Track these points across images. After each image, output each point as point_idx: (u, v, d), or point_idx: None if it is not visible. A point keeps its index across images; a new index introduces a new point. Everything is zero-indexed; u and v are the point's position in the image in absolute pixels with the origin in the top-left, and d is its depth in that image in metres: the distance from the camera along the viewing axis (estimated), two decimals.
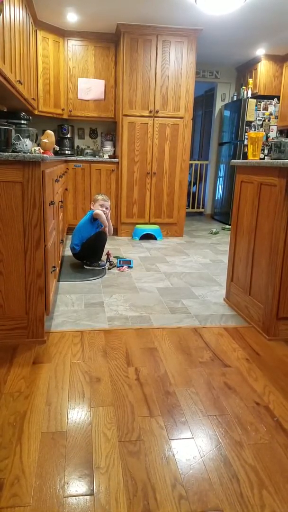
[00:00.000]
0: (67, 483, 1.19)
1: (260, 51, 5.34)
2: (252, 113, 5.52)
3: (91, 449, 1.34)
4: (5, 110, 3.85)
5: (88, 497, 1.15)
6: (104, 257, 3.62)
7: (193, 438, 1.41)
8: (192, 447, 1.37)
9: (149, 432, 1.43)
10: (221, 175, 6.42)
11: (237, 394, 1.69)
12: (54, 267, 2.52)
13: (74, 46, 4.79)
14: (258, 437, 1.43)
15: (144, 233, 4.86)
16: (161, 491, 1.18)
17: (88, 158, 4.90)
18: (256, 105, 5.50)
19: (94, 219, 3.51)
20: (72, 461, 1.28)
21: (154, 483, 1.21)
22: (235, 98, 5.97)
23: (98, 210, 3.48)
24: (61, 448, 1.34)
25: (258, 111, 5.54)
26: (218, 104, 6.44)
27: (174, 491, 1.18)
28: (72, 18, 4.28)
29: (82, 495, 1.15)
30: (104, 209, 3.55)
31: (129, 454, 1.32)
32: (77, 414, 1.52)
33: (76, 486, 1.18)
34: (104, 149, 5.26)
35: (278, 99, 5.50)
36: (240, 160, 2.51)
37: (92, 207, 3.61)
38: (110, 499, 1.14)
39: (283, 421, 1.52)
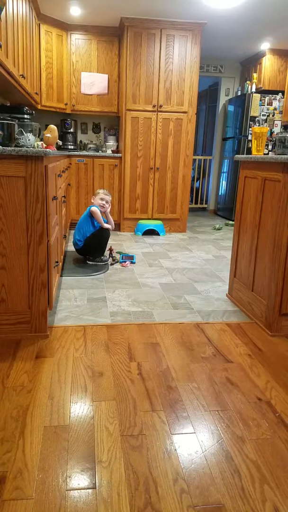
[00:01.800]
0: (70, 477, 1.20)
1: (265, 46, 5.30)
2: (256, 108, 5.49)
3: (93, 443, 1.35)
4: (8, 104, 3.84)
5: (90, 490, 1.16)
6: (106, 253, 3.62)
7: (195, 433, 1.42)
8: (194, 442, 1.37)
9: (151, 426, 1.44)
10: (225, 170, 6.40)
11: (239, 389, 1.69)
12: (57, 262, 2.52)
13: (77, 40, 4.76)
14: (260, 432, 1.43)
15: (147, 228, 4.85)
16: (163, 485, 1.19)
17: (91, 153, 4.89)
18: (260, 100, 5.47)
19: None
20: (75, 455, 1.29)
21: (156, 477, 1.21)
22: (239, 93, 5.93)
23: (94, 207, 3.47)
24: (64, 442, 1.35)
25: (262, 106, 5.50)
26: (222, 99, 6.40)
27: (176, 485, 1.18)
28: (75, 11, 4.26)
29: (84, 489, 1.16)
30: (104, 202, 3.56)
31: (131, 448, 1.33)
32: (80, 408, 1.52)
33: (79, 480, 1.19)
34: (107, 144, 5.24)
35: (283, 94, 5.45)
36: (244, 155, 2.50)
37: (92, 201, 3.61)
38: (112, 492, 1.15)
39: (285, 416, 1.52)
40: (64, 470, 1.22)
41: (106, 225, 3.52)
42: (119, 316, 2.39)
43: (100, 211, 3.57)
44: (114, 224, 4.89)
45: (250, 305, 2.45)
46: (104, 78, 4.89)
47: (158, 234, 4.90)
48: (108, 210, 3.64)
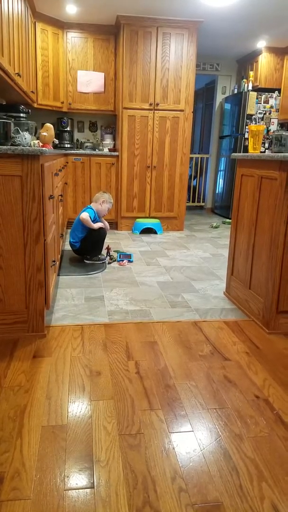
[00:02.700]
0: (68, 476, 1.20)
1: (261, 44, 5.29)
2: (252, 106, 5.49)
3: (91, 442, 1.34)
4: (4, 103, 3.83)
5: (88, 490, 1.15)
6: (104, 251, 3.62)
7: (193, 431, 1.42)
8: (192, 440, 1.37)
9: (149, 425, 1.44)
10: (222, 168, 6.40)
11: (237, 387, 1.69)
12: (54, 261, 2.51)
13: (73, 38, 4.74)
14: (258, 430, 1.43)
15: (145, 227, 4.85)
16: (161, 483, 1.19)
17: (88, 151, 4.88)
18: (256, 98, 5.47)
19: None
20: (72, 455, 1.29)
21: (154, 476, 1.21)
22: (235, 91, 5.93)
23: (85, 214, 3.40)
24: (61, 441, 1.34)
25: (258, 104, 5.50)
26: (219, 97, 6.40)
27: (174, 484, 1.18)
28: (71, 9, 4.24)
29: (82, 488, 1.16)
30: (107, 212, 3.61)
31: (129, 447, 1.33)
32: (77, 408, 1.52)
33: (77, 479, 1.19)
34: (104, 142, 5.23)
35: (279, 92, 5.46)
36: (241, 154, 2.50)
37: (100, 205, 3.54)
38: (110, 492, 1.15)
39: (283, 414, 1.53)
40: (62, 470, 1.22)
41: (97, 225, 3.47)
42: (117, 315, 2.39)
43: (98, 214, 3.55)
44: (112, 223, 4.89)
45: (247, 302, 2.45)
46: (100, 76, 4.87)
47: (155, 232, 4.89)
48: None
